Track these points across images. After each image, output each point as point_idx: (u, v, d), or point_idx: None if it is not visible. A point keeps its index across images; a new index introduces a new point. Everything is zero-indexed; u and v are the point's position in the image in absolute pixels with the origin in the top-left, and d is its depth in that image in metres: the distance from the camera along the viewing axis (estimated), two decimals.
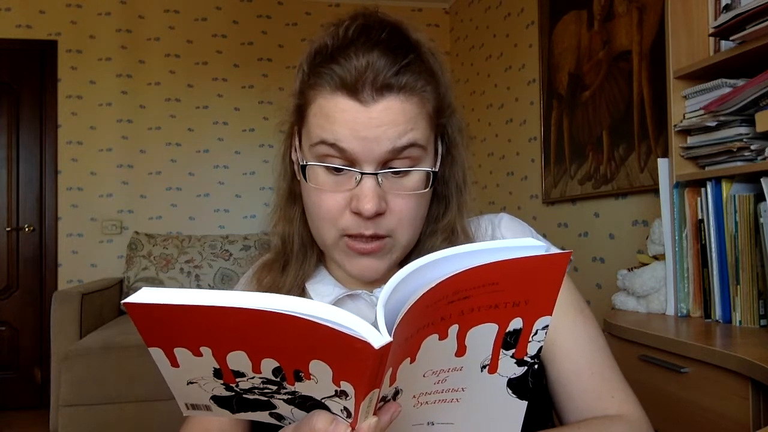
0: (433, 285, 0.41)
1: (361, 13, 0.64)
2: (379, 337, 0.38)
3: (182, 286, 3.21)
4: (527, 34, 2.96)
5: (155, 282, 3.23)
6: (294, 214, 0.72)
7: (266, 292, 0.73)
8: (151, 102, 3.69)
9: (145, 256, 3.29)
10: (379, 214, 0.62)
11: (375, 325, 0.39)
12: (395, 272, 0.69)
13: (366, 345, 0.37)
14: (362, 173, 0.61)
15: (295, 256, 0.73)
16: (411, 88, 0.61)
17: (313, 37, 0.66)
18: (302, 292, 0.73)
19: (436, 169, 0.65)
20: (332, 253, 0.68)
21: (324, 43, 0.63)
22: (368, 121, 0.60)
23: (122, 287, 3.28)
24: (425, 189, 0.64)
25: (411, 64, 0.61)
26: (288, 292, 0.71)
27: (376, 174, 0.61)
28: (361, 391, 0.41)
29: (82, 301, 2.69)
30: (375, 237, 0.63)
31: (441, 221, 0.71)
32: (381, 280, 0.69)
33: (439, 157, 0.68)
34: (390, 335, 0.39)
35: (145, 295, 0.37)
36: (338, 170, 0.62)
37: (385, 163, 0.62)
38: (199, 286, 3.27)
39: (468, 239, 0.71)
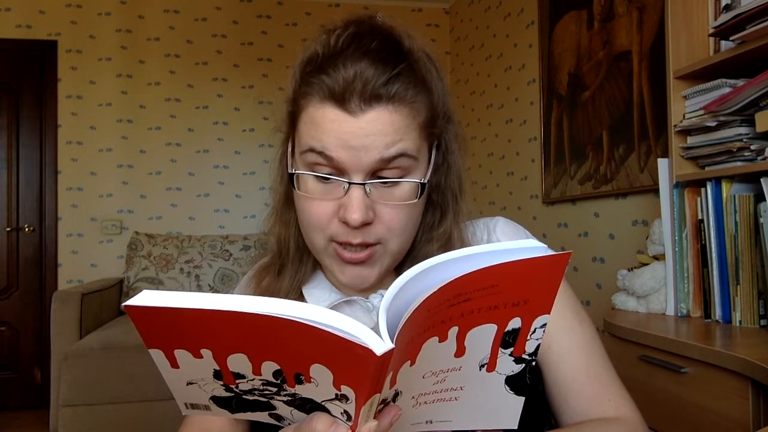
0: (435, 290, 0.41)
1: (354, 21, 0.63)
2: (381, 344, 0.38)
3: (182, 286, 3.22)
4: (527, 34, 2.96)
5: (155, 282, 3.23)
6: (290, 218, 0.72)
7: (264, 295, 0.73)
8: (151, 102, 3.69)
9: (145, 256, 3.29)
10: (366, 224, 0.62)
11: (376, 330, 0.39)
12: (388, 279, 0.69)
13: (368, 351, 0.37)
14: (350, 183, 0.61)
15: (291, 260, 0.72)
16: (401, 98, 0.60)
17: (308, 40, 0.65)
18: (299, 297, 0.73)
19: (426, 181, 0.64)
20: (322, 259, 0.68)
21: (315, 52, 0.63)
22: (356, 131, 0.59)
23: (122, 287, 3.28)
24: (415, 199, 0.63)
25: (401, 74, 0.60)
26: (285, 297, 0.71)
27: (363, 184, 0.61)
28: (361, 396, 0.41)
29: (82, 301, 2.69)
30: (363, 245, 0.63)
31: (437, 229, 0.70)
32: (375, 286, 0.69)
33: (431, 166, 0.66)
34: (392, 341, 0.39)
35: (146, 298, 0.37)
36: (327, 178, 0.62)
37: (374, 173, 0.61)
38: (199, 287, 3.27)
39: (464, 246, 0.71)
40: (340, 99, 0.59)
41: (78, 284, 3.29)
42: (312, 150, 0.61)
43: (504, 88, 3.24)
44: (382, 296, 0.43)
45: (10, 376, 3.48)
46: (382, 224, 0.63)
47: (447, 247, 0.69)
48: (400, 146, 0.60)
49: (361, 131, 0.59)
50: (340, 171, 0.61)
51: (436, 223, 0.71)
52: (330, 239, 0.64)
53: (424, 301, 0.40)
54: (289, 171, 0.65)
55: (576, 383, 0.67)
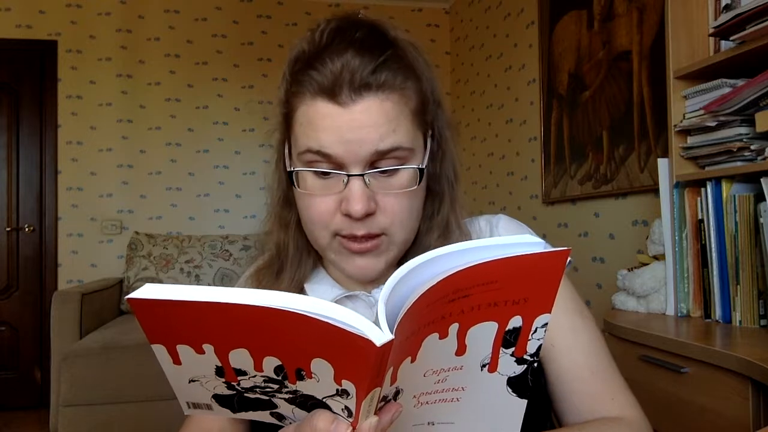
0: (434, 283, 0.41)
1: (336, 16, 0.64)
2: (380, 335, 0.38)
3: None
4: (527, 34, 2.96)
5: (155, 282, 3.23)
6: (289, 220, 0.72)
7: None
8: (151, 102, 3.69)
9: (145, 256, 3.30)
10: (369, 215, 0.62)
11: (376, 322, 0.39)
12: (391, 272, 0.70)
13: (368, 342, 0.37)
14: (349, 175, 0.61)
15: (289, 262, 0.73)
16: (390, 85, 0.61)
17: (294, 42, 0.66)
18: (301, 293, 0.73)
19: (424, 166, 0.65)
20: (328, 255, 0.68)
21: (301, 50, 0.64)
22: (350, 123, 0.60)
23: (122, 287, 3.28)
24: (415, 186, 0.64)
25: (388, 61, 0.61)
26: None
27: (362, 175, 0.61)
28: (362, 390, 0.41)
29: (82, 301, 2.69)
30: (368, 236, 0.63)
31: (436, 217, 0.71)
32: (378, 279, 0.69)
33: (428, 153, 0.67)
34: (391, 333, 0.39)
35: (148, 291, 0.37)
36: (326, 174, 0.62)
37: (371, 164, 0.62)
38: None
39: (463, 234, 0.71)
40: (330, 92, 0.60)
41: (78, 284, 3.29)
42: (309, 150, 0.62)
43: (504, 88, 3.24)
44: None
45: (10, 376, 3.47)
46: (385, 214, 0.63)
47: (446, 234, 0.70)
48: (394, 139, 0.61)
49: (355, 122, 0.60)
50: (338, 166, 0.62)
51: (435, 211, 0.71)
52: (334, 234, 0.65)
53: (422, 294, 0.40)
54: (289, 170, 0.66)
55: (579, 382, 0.67)
